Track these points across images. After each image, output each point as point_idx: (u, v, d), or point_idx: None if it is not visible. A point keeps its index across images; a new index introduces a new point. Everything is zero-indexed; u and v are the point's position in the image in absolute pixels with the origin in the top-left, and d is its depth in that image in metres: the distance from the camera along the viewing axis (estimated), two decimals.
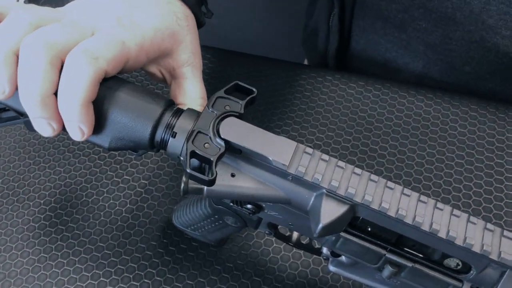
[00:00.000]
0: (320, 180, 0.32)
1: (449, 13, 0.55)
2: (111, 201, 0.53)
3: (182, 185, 0.34)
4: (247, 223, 0.42)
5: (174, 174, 0.55)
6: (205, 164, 0.34)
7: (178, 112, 0.35)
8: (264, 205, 0.37)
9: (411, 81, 0.65)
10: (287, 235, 0.44)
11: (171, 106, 0.36)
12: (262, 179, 0.34)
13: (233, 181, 0.34)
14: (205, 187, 0.34)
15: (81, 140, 0.35)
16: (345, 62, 0.72)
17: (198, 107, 0.40)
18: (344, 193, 0.32)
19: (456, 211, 0.32)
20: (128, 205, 0.53)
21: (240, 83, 0.35)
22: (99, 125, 0.35)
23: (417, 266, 0.34)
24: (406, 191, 0.32)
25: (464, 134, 0.57)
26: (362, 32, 0.66)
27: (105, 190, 0.54)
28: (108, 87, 0.35)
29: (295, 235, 0.43)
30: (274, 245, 0.50)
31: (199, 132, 0.33)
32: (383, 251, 0.34)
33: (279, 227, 0.43)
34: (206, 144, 0.33)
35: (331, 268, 0.41)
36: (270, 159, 0.32)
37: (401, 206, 0.32)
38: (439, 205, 0.32)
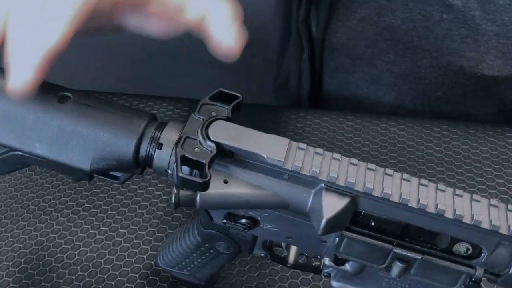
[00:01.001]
0: (318, 173, 0.31)
1: (415, 41, 0.58)
2: (88, 254, 0.50)
3: (173, 197, 0.32)
4: (241, 246, 0.39)
5: (154, 219, 0.52)
6: (195, 172, 0.32)
7: (162, 125, 0.34)
8: (259, 218, 0.36)
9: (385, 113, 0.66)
10: (282, 256, 0.41)
11: (154, 120, 0.34)
12: (257, 182, 0.32)
13: (227, 187, 0.32)
14: (198, 196, 0.32)
15: (18, 91, 0.30)
16: (318, 104, 0.74)
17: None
18: (344, 183, 0.31)
19: (458, 191, 0.31)
20: (107, 256, 0.49)
21: (223, 90, 0.35)
22: (78, 146, 0.33)
23: (427, 257, 0.33)
24: (406, 176, 0.32)
25: (440, 151, 0.58)
26: (333, 72, 0.68)
27: (81, 243, 0.50)
28: (85, 104, 0.34)
29: (292, 255, 0.41)
30: (270, 267, 0.47)
31: (187, 137, 0.32)
32: (389, 246, 0.33)
33: (274, 248, 0.40)
34: (196, 148, 0.31)
35: (335, 284, 0.39)
36: (264, 156, 0.31)
37: (403, 191, 0.31)
38: (441, 186, 0.31)
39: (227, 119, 0.33)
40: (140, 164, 0.34)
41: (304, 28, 0.66)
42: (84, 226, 0.52)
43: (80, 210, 0.53)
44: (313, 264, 0.40)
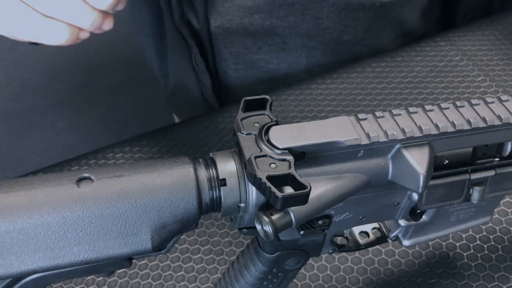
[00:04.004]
0: (395, 134, 0.29)
1: None
2: None
3: (269, 226, 0.27)
4: (310, 253, 0.36)
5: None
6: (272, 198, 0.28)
7: (209, 160, 0.29)
8: (332, 212, 0.33)
9: (301, 78, 0.66)
10: (343, 243, 0.39)
11: (196, 160, 0.29)
12: (335, 173, 0.29)
13: (311, 192, 0.28)
14: (292, 214, 0.28)
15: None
16: (225, 97, 0.71)
17: None
18: (422, 133, 0.30)
19: (492, 98, 0.32)
20: None
21: (248, 98, 0.31)
22: (129, 227, 0.26)
23: (499, 170, 0.33)
24: (459, 103, 0.32)
25: (375, 88, 0.61)
26: (236, 57, 0.66)
27: None
28: (113, 176, 0.27)
29: (357, 236, 0.39)
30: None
31: (255, 158, 0.27)
32: (466, 176, 0.33)
33: (335, 239, 0.38)
34: (272, 164, 0.27)
35: (407, 243, 0.38)
36: (341, 140, 0.28)
37: (469, 117, 0.31)
38: (488, 99, 0.32)
39: (277, 123, 0.29)
40: (204, 212, 0.28)
41: (184, 25, 0.63)
42: None
43: None
44: (378, 236, 0.39)
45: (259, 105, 0.31)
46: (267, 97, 0.31)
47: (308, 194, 0.26)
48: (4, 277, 0.25)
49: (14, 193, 0.25)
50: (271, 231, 0.27)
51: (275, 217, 0.27)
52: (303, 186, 0.26)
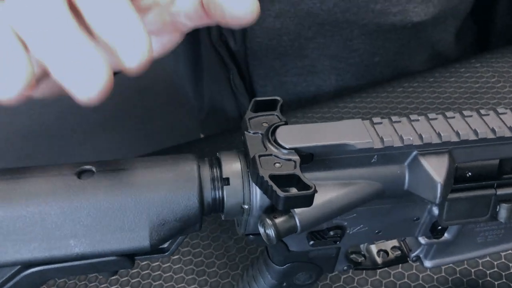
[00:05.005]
0: (412, 139, 0.28)
1: (340, 18, 0.58)
2: None
3: (272, 230, 0.26)
4: (323, 268, 0.34)
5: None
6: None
7: (214, 159, 0.28)
8: (345, 223, 0.31)
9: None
10: (360, 261, 0.37)
11: (201, 158, 0.28)
12: (345, 179, 0.28)
13: (319, 197, 0.27)
14: (297, 218, 0.26)
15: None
16: None
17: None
18: (441, 140, 0.28)
19: None
20: None
21: (258, 98, 0.30)
22: (127, 222, 0.26)
23: None
24: (483, 111, 0.30)
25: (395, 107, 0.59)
26: (265, 78, 0.66)
27: None
28: (115, 169, 0.26)
29: (375, 255, 0.37)
30: None
31: (260, 156, 0.26)
32: (492, 191, 0.30)
33: (351, 257, 0.36)
34: (276, 164, 0.26)
35: (428, 264, 0.36)
36: (352, 143, 0.27)
37: (493, 125, 0.29)
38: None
39: (286, 123, 0.28)
40: (206, 212, 0.27)
41: (222, 46, 0.63)
42: None
43: None
44: (398, 255, 0.36)
45: (270, 107, 0.30)
46: (278, 98, 0.30)
47: (312, 195, 0.24)
48: None
49: (13, 181, 0.25)
50: (273, 235, 0.26)
51: (278, 220, 0.26)
52: (308, 187, 0.25)
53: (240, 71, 0.65)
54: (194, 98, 0.76)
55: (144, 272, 0.46)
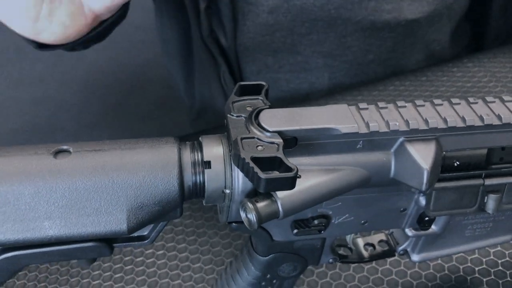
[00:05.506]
0: (398, 125, 0.27)
1: (333, 14, 0.58)
2: None
3: (253, 214, 0.25)
4: (308, 260, 0.33)
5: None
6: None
7: (196, 143, 0.27)
8: (330, 212, 0.30)
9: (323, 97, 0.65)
10: (347, 255, 0.36)
11: (183, 142, 0.28)
12: (330, 165, 0.27)
13: (303, 182, 0.26)
14: (279, 203, 0.26)
15: None
16: None
17: None
18: (428, 126, 0.27)
19: (510, 97, 0.30)
20: None
21: (243, 83, 0.29)
22: (103, 205, 0.25)
23: None
24: (472, 99, 0.29)
25: None
26: (257, 75, 0.65)
27: None
28: (92, 150, 0.26)
29: (361, 248, 0.36)
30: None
31: (242, 139, 0.25)
32: (480, 181, 0.30)
33: (340, 251, 0.35)
34: (259, 147, 0.25)
35: (416, 258, 0.35)
36: (337, 128, 0.26)
37: (482, 113, 0.28)
38: (506, 97, 0.30)
39: (270, 107, 0.28)
40: (187, 197, 0.27)
41: (213, 42, 0.62)
42: None
43: None
44: (385, 249, 0.36)
45: (255, 91, 0.29)
46: (263, 83, 0.29)
47: (294, 177, 0.24)
48: None
49: None
50: (254, 219, 0.25)
51: (260, 204, 0.25)
52: (290, 169, 0.24)
53: (231, 68, 0.64)
54: (185, 96, 0.76)
55: (128, 268, 0.45)
